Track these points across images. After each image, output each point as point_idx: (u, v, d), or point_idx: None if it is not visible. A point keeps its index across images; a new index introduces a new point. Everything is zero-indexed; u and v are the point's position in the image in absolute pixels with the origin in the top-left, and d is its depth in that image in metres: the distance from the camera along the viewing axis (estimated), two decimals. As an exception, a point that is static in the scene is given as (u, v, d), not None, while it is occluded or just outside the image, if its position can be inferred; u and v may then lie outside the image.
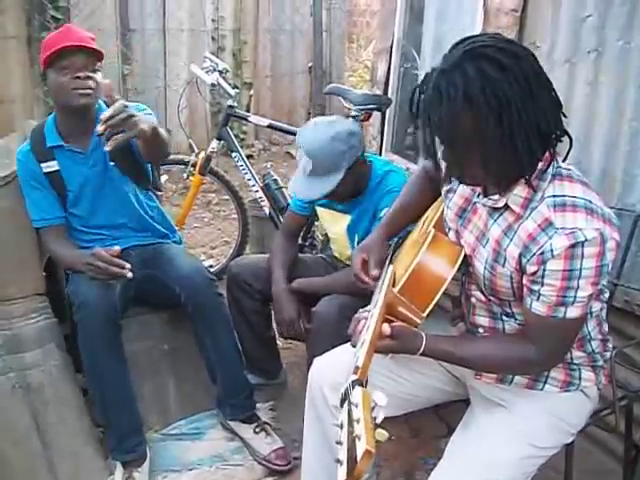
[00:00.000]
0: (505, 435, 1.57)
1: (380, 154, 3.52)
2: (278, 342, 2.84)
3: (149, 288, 2.37)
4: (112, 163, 2.31)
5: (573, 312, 1.38)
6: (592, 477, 2.17)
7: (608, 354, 1.66)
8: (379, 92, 3.52)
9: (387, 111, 3.35)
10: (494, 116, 1.28)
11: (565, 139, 1.40)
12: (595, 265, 1.33)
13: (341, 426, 1.06)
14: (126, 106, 1.91)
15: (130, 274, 2.08)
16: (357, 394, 1.10)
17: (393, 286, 1.56)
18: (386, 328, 1.40)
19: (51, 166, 2.28)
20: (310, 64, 6.56)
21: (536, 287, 1.39)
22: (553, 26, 2.36)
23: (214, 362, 2.40)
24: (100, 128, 1.87)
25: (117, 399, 2.21)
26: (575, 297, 1.36)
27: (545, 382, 1.59)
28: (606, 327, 1.65)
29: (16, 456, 2.16)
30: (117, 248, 2.11)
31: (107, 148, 1.93)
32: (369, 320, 1.41)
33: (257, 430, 2.40)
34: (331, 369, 1.79)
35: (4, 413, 2.16)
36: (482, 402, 1.65)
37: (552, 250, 1.33)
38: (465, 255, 1.59)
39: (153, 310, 2.52)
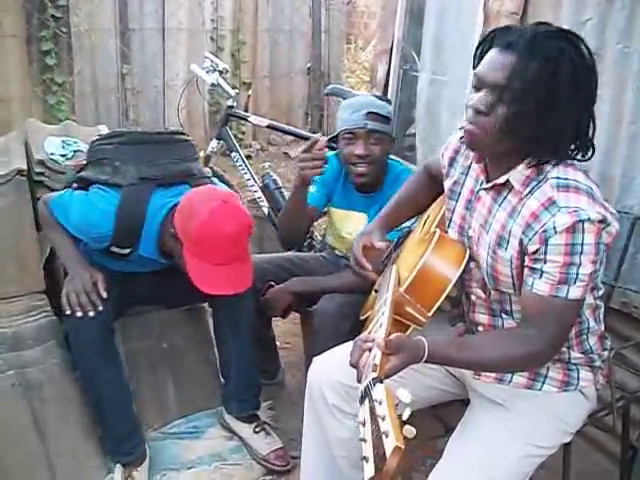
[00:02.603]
0: (504, 434, 1.59)
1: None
2: (277, 342, 2.85)
3: (164, 285, 2.33)
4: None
5: (575, 292, 1.39)
6: (589, 478, 2.19)
7: (606, 354, 1.68)
8: (379, 93, 3.53)
9: (386, 112, 3.36)
10: (570, 95, 1.35)
11: None
12: (594, 242, 1.35)
13: (363, 423, 1.07)
14: None
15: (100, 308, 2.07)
16: (380, 391, 1.11)
17: (398, 286, 1.58)
18: (380, 343, 1.31)
19: (122, 250, 2.14)
20: (309, 65, 6.56)
21: (538, 265, 1.40)
22: (553, 29, 2.37)
23: (231, 354, 2.39)
24: None
25: (113, 404, 2.20)
26: (577, 274, 1.37)
27: (544, 382, 1.60)
28: (603, 327, 1.66)
29: (15, 454, 2.15)
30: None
31: None
32: (381, 318, 1.43)
33: (257, 430, 2.40)
34: (330, 368, 1.80)
35: (3, 411, 2.15)
36: (481, 402, 1.67)
37: (555, 227, 1.35)
38: (469, 254, 1.61)
39: (152, 309, 2.51)
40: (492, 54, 1.40)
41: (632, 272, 2.11)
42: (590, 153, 1.46)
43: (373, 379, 1.18)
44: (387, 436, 0.99)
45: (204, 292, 1.99)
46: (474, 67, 1.47)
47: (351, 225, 2.46)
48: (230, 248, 1.95)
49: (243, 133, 6.17)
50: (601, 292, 1.63)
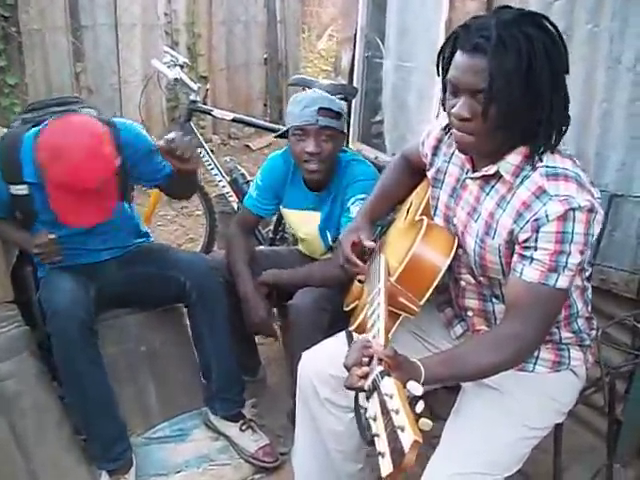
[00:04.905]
0: (499, 418, 1.59)
1: (347, 144, 3.51)
2: (256, 338, 2.82)
3: (137, 287, 2.34)
4: None
5: (563, 281, 1.39)
6: (576, 454, 2.21)
7: (594, 333, 1.70)
8: (344, 81, 3.51)
9: (353, 101, 3.34)
10: (550, 79, 1.35)
11: None
12: (584, 232, 1.36)
13: (374, 418, 1.04)
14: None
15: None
16: (389, 385, 1.08)
17: (389, 276, 1.56)
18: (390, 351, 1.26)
19: (21, 189, 2.15)
20: (265, 55, 6.51)
21: (528, 252, 1.39)
22: (521, 11, 2.37)
23: (210, 354, 2.37)
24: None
25: (99, 407, 2.16)
26: (567, 263, 1.37)
27: (535, 363, 1.61)
28: (590, 308, 1.67)
29: (-4, 469, 2.10)
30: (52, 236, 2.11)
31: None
32: (378, 309, 1.40)
33: (243, 428, 2.38)
34: (320, 362, 1.79)
35: (-20, 427, 2.09)
36: (474, 386, 1.66)
37: (547, 216, 1.36)
38: (457, 241, 1.60)
39: (128, 312, 2.47)
40: (461, 58, 1.38)
41: (610, 249, 2.14)
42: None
43: (380, 372, 1.15)
44: (403, 430, 0.97)
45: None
46: (440, 72, 1.47)
47: (306, 226, 2.44)
48: (74, 160, 1.93)
49: (203, 128, 6.08)
50: (588, 273, 1.64)
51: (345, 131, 2.33)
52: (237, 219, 2.58)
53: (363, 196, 2.19)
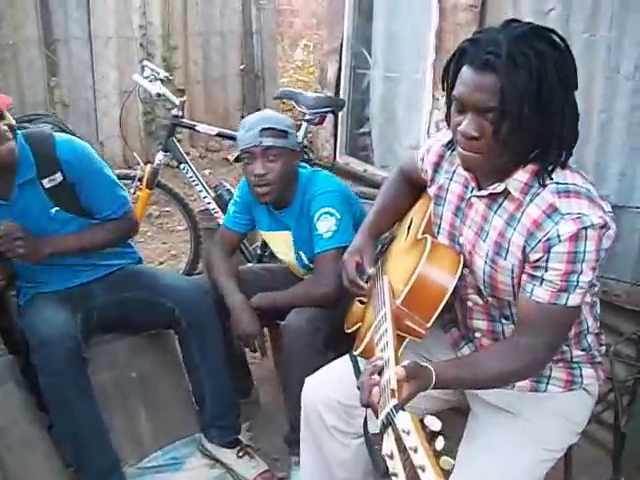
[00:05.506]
0: (515, 441, 1.55)
1: (335, 157, 3.47)
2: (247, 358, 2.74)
3: (124, 313, 2.27)
4: (56, 208, 2.11)
5: (574, 299, 1.36)
6: (581, 468, 2.17)
7: (603, 349, 1.67)
8: (330, 94, 3.46)
9: (339, 113, 3.29)
10: (561, 95, 1.33)
11: None
12: (595, 249, 1.33)
13: (391, 456, 0.98)
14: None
15: None
16: (405, 420, 1.02)
17: (394, 298, 1.51)
18: (400, 371, 1.23)
19: None
20: (242, 66, 6.43)
21: (539, 273, 1.36)
22: (515, 22, 2.35)
23: (203, 381, 2.30)
24: None
25: (90, 439, 2.08)
26: (578, 282, 1.34)
27: (548, 383, 1.58)
28: (598, 323, 1.64)
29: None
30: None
31: None
32: (385, 336, 1.35)
33: (240, 454, 2.30)
34: (325, 388, 1.74)
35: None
36: (486, 409, 1.62)
37: (559, 236, 1.32)
38: (463, 260, 1.55)
39: (117, 337, 2.38)
40: (470, 75, 1.33)
41: (611, 261, 2.11)
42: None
43: (394, 406, 1.09)
44: (424, 470, 0.92)
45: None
46: (445, 87, 1.43)
47: (281, 246, 2.40)
48: None
49: (180, 141, 5.97)
50: (597, 288, 1.61)
51: (296, 148, 2.25)
52: (216, 238, 2.51)
53: (327, 209, 2.16)
